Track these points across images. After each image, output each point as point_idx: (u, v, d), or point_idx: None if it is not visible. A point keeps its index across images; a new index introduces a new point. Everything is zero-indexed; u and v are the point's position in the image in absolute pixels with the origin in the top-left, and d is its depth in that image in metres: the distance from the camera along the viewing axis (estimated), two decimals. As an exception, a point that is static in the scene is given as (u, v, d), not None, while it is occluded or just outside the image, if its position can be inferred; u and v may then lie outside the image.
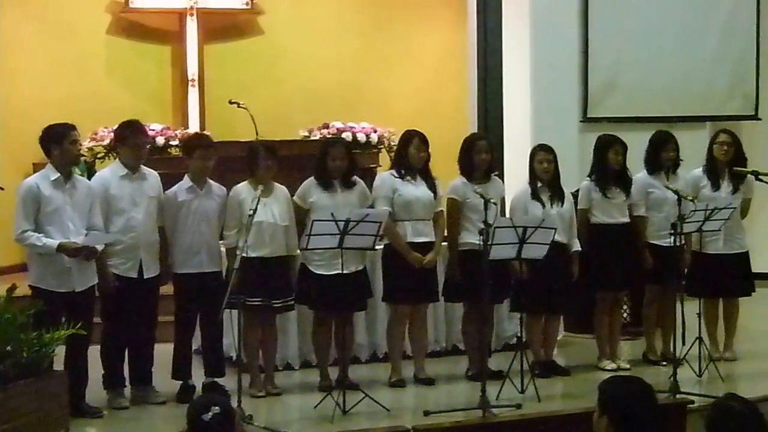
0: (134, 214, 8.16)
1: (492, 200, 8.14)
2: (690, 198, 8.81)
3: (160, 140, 11.71)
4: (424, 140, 8.74)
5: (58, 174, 7.78)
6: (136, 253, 8.15)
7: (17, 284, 7.71)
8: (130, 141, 8.29)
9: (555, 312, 9.23)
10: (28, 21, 12.90)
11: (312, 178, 8.60)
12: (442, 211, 8.82)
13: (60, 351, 7.59)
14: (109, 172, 8.35)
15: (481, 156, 8.78)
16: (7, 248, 10.90)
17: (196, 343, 8.69)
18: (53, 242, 7.62)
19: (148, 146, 8.60)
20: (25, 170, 11.07)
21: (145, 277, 8.18)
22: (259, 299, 8.25)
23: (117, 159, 8.53)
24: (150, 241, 8.24)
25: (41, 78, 12.80)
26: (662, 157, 9.35)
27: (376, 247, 8.41)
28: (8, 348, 7.19)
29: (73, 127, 7.94)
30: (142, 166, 8.32)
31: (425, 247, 8.63)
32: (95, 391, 8.18)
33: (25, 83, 12.70)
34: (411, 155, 8.71)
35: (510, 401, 8.12)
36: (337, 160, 8.54)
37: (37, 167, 10.04)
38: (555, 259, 8.58)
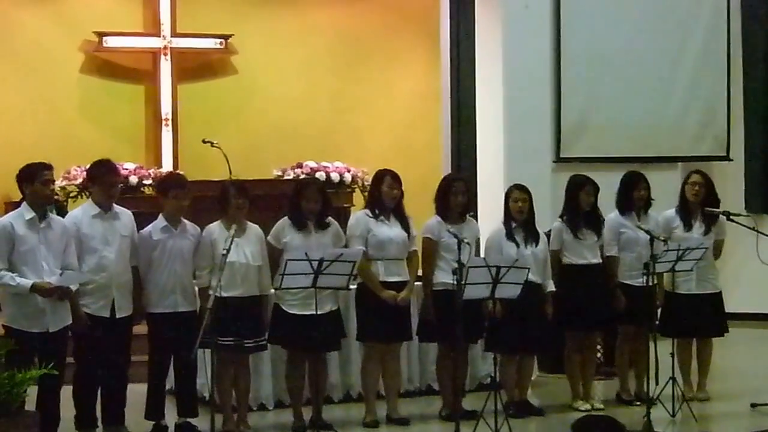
0: (106, 254, 8.11)
1: (465, 240, 8.17)
2: (662, 238, 8.86)
3: (134, 179, 11.69)
4: (396, 178, 8.75)
5: (33, 213, 7.71)
6: (108, 293, 8.10)
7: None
8: (102, 180, 8.26)
9: (529, 352, 9.21)
10: (0, 60, 12.89)
11: (286, 218, 8.59)
12: (415, 250, 8.82)
13: (32, 391, 7.52)
14: (81, 211, 8.30)
15: (458, 198, 8.80)
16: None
17: (169, 383, 8.64)
18: (27, 282, 7.55)
19: (120, 185, 8.59)
20: (-4, 209, 11.04)
21: (117, 316, 8.12)
22: (231, 339, 8.20)
23: (89, 198, 8.50)
24: (122, 281, 8.19)
25: (14, 117, 12.77)
26: (633, 196, 9.38)
27: (350, 286, 8.40)
28: (-21, 388, 7.13)
29: (46, 167, 7.84)
30: (115, 205, 8.29)
31: (398, 287, 8.62)
32: (67, 432, 8.13)
33: (-2, 122, 12.69)
34: (384, 193, 8.71)
35: (484, 441, 8.10)
36: (311, 202, 8.53)
37: (8, 206, 9.99)
38: (529, 299, 8.57)
